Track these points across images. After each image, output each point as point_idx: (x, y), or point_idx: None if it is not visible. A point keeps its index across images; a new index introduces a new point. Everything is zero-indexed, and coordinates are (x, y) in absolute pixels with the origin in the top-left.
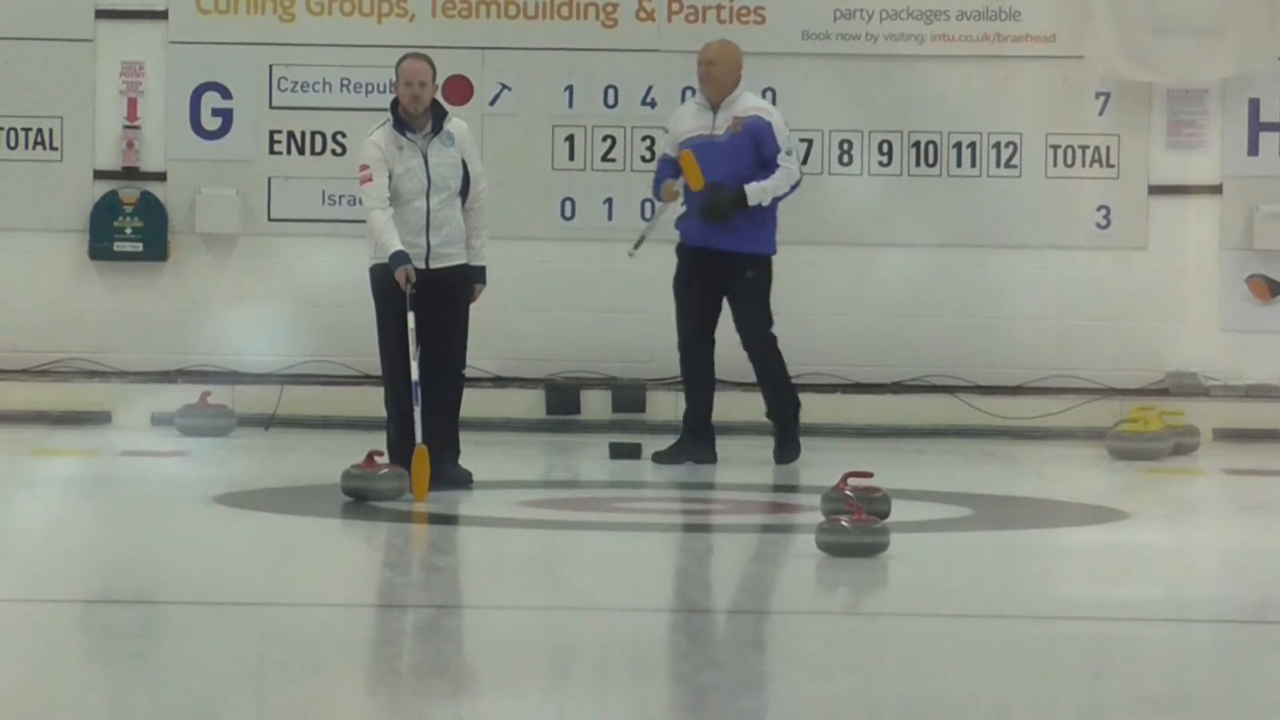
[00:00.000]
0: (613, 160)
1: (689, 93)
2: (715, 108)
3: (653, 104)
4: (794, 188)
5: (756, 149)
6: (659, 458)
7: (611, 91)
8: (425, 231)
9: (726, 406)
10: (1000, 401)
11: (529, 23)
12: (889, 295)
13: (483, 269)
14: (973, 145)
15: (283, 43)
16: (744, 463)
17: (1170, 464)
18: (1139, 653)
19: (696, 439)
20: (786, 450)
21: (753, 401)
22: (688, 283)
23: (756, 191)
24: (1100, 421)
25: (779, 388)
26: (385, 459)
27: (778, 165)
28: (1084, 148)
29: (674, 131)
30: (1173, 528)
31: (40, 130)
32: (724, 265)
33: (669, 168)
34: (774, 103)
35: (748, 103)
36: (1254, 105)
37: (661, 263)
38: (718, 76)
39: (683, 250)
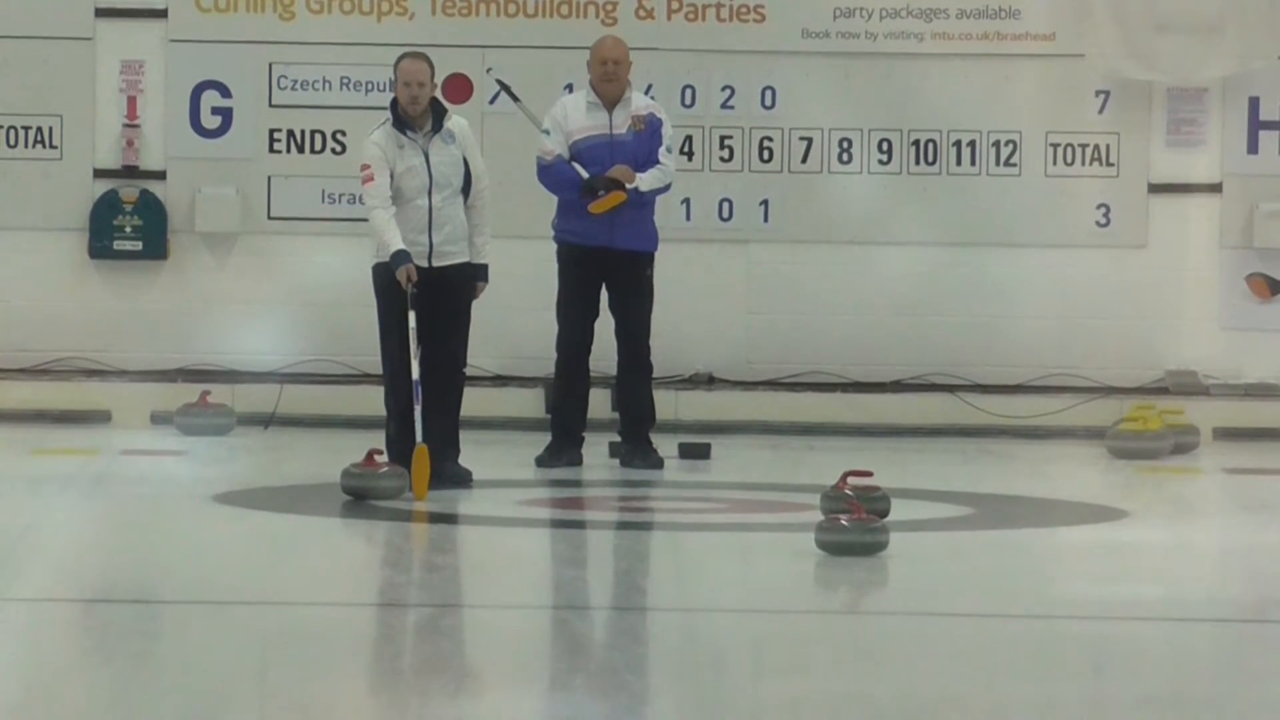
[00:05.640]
0: None
1: (569, 87)
2: (611, 106)
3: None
4: (666, 188)
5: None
6: (541, 461)
7: None
8: (428, 230)
9: (729, 407)
10: (1000, 400)
11: (529, 21)
12: (889, 294)
13: (485, 267)
14: (972, 144)
15: (282, 41)
16: (744, 463)
17: (1170, 463)
18: (1139, 653)
19: (573, 440)
20: (651, 458)
21: (751, 402)
22: (580, 287)
23: (646, 180)
24: (1100, 420)
25: (649, 394)
26: (385, 458)
27: (658, 161)
28: (1084, 146)
29: (563, 130)
30: (1172, 527)
31: (40, 129)
32: (621, 264)
33: (568, 168)
34: (774, 102)
35: (640, 100)
36: (1254, 103)
37: (661, 264)
38: (623, 76)
39: (574, 252)
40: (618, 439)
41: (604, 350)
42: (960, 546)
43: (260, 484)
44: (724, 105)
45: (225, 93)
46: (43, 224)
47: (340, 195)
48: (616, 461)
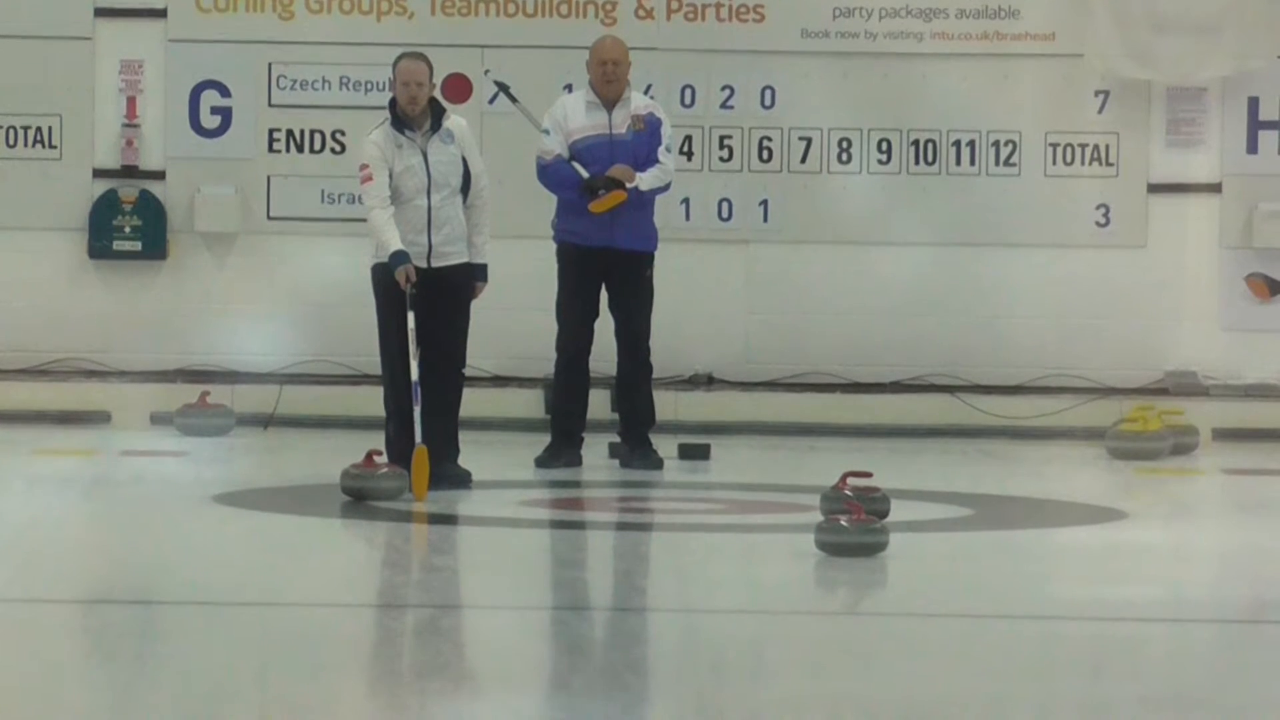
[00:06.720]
0: None
1: (569, 87)
2: (611, 106)
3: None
4: (666, 187)
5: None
6: (541, 462)
7: None
8: (427, 230)
9: (729, 407)
10: (999, 401)
11: (528, 21)
12: (889, 295)
13: (484, 267)
14: (972, 144)
15: (282, 41)
16: (743, 463)
17: (1169, 464)
18: (1139, 653)
19: (572, 441)
20: (650, 459)
21: (751, 402)
22: (580, 287)
23: (646, 179)
24: (1099, 421)
25: (649, 395)
26: (384, 458)
27: (658, 160)
28: (1083, 146)
29: (563, 130)
30: (1172, 528)
31: (39, 129)
32: (620, 264)
33: (568, 168)
34: (773, 101)
35: (639, 100)
36: (1253, 103)
37: (660, 264)
38: (622, 76)
39: (574, 252)
40: (617, 440)
41: (604, 350)
42: (960, 547)
43: (260, 485)
44: (723, 105)
45: (225, 92)
46: (42, 224)
47: (340, 195)
48: (616, 462)
